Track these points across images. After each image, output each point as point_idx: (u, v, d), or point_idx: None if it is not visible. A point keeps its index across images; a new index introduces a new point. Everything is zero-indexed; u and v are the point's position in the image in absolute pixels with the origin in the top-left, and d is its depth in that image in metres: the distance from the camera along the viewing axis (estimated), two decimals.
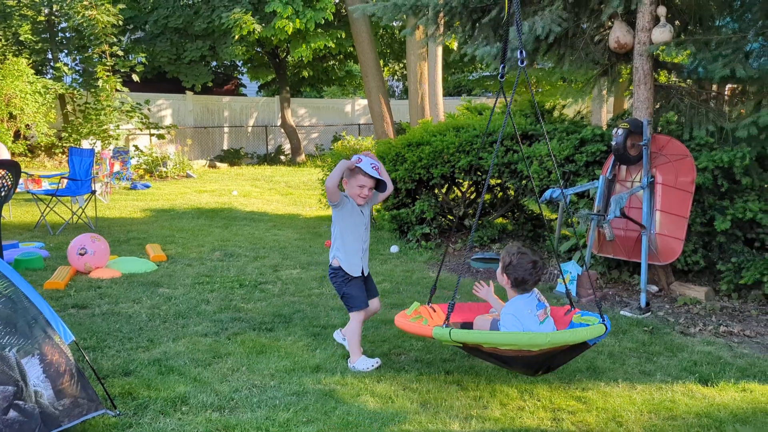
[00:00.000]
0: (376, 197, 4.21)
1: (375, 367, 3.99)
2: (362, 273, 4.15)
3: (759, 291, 5.41)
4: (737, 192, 5.62)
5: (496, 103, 4.05)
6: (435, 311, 3.97)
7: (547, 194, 5.71)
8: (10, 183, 6.41)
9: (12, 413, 2.73)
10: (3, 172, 6.32)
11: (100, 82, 14.81)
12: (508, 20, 3.92)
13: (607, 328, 3.35)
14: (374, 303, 4.27)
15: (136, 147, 15.93)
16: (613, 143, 5.55)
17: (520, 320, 3.50)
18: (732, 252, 5.59)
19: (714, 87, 6.08)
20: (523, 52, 3.58)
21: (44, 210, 8.57)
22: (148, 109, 16.94)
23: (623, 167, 5.87)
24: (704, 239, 5.75)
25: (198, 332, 4.64)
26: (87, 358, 3.45)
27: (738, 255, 5.53)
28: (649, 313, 5.23)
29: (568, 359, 3.60)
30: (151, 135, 17.08)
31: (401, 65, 25.34)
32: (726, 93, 6.27)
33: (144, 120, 16.34)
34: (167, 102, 19.42)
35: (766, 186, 5.70)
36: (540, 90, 19.00)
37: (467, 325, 3.92)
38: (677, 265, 5.79)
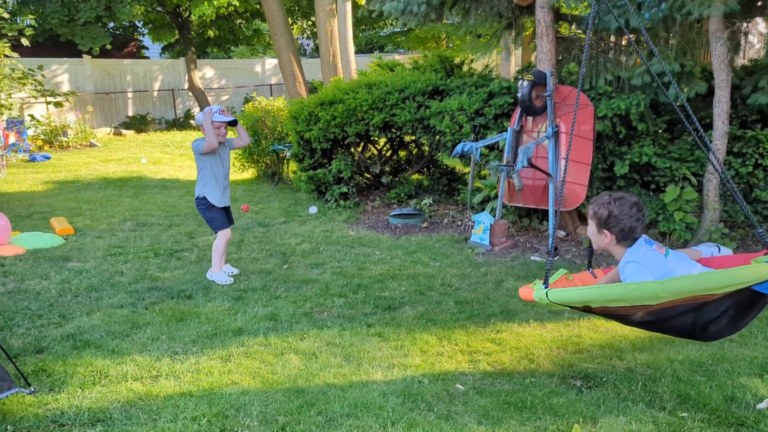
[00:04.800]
0: (231, 142, 5.25)
1: (227, 284, 4.92)
2: (224, 205, 5.15)
3: (655, 229, 5.80)
4: (634, 138, 5.95)
5: None
6: (572, 279, 3.35)
7: (458, 148, 5.83)
8: None
9: None
10: None
11: None
12: None
13: None
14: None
15: (32, 116, 14.98)
16: (519, 95, 5.72)
17: (645, 265, 2.78)
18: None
19: (612, 38, 6.34)
20: None
21: None
22: (42, 76, 15.84)
23: (530, 118, 6.07)
24: (606, 184, 6.08)
25: (113, 304, 4.53)
26: None
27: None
28: (558, 256, 5.51)
29: (744, 316, 2.74)
30: (48, 103, 16.06)
31: (310, 23, 24.84)
32: (623, 43, 6.54)
33: (38, 87, 15.31)
34: (63, 67, 18.26)
35: (659, 131, 6.06)
36: (450, 45, 19.15)
37: None
38: (582, 210, 6.10)
